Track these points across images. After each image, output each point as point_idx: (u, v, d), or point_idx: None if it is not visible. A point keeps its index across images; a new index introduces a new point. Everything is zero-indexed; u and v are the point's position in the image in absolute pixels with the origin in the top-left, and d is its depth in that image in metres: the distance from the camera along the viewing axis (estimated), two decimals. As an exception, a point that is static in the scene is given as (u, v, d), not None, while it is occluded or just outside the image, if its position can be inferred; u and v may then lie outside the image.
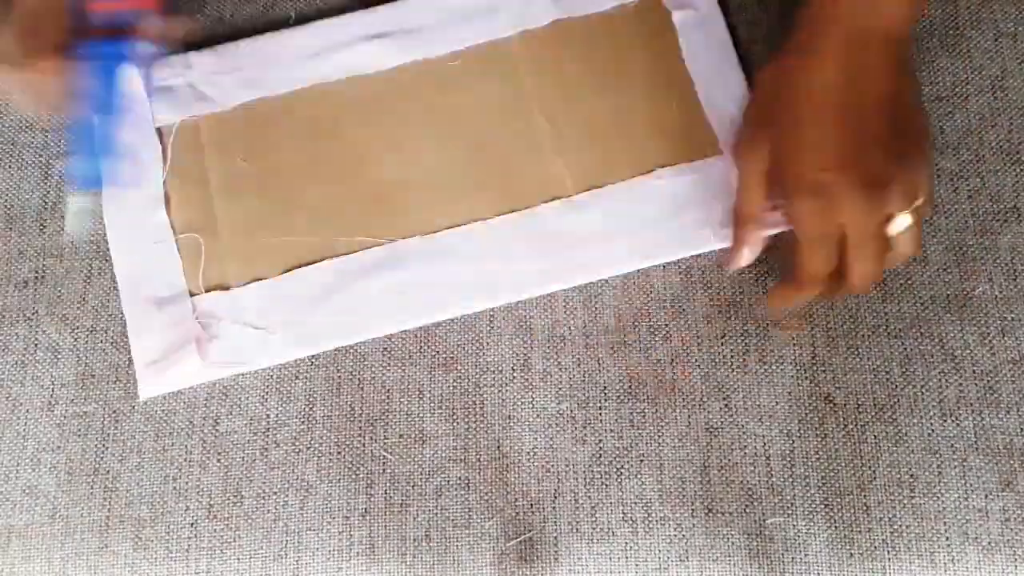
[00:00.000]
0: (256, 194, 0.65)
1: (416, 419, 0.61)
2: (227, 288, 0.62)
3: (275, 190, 0.65)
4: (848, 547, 0.57)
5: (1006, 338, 0.60)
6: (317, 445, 0.60)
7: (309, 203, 0.64)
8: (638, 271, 0.62)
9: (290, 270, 0.63)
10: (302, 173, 0.65)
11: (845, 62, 0.54)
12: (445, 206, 0.63)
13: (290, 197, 0.64)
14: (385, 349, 0.62)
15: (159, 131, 0.66)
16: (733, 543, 0.57)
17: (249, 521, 0.59)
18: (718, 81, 0.64)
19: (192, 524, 0.59)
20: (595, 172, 0.63)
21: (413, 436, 0.60)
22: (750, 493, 0.58)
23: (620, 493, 0.58)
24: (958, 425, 0.59)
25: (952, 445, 0.58)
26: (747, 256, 0.60)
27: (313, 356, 0.62)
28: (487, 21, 0.67)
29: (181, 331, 0.62)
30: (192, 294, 0.62)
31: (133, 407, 0.61)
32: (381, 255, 0.63)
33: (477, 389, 0.61)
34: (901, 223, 0.55)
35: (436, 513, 0.59)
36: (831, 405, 0.59)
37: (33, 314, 0.63)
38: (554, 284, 0.62)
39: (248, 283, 0.62)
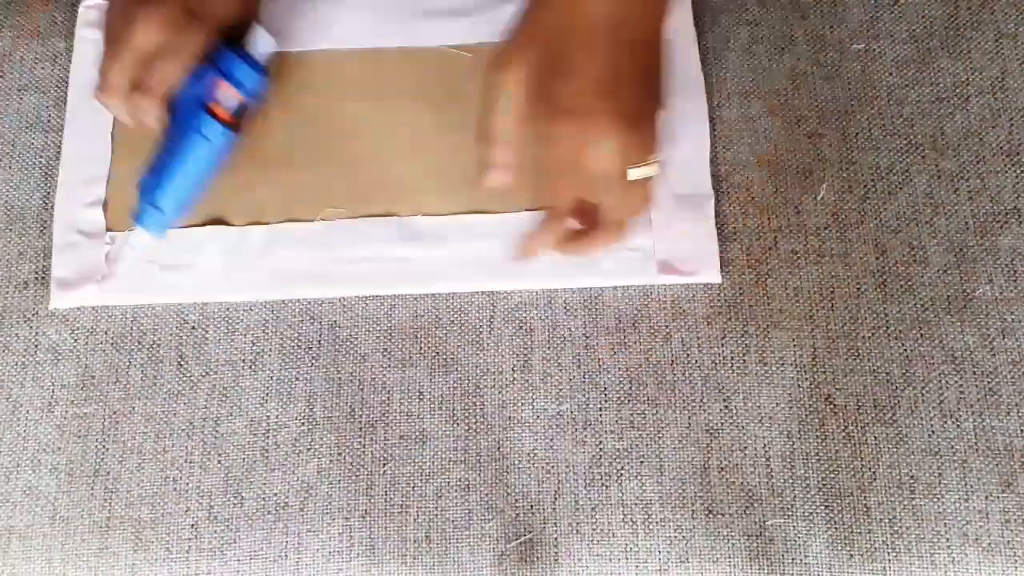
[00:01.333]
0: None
1: (416, 420, 0.61)
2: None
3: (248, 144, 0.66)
4: (848, 548, 0.57)
5: (1006, 339, 0.60)
6: (317, 446, 0.60)
7: (282, 164, 0.65)
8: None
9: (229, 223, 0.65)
10: (284, 135, 0.66)
11: (612, 2, 0.53)
12: (418, 195, 0.64)
13: (264, 155, 0.66)
14: (385, 350, 0.62)
15: None
16: (733, 545, 0.57)
17: (249, 522, 0.59)
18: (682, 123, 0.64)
19: (192, 525, 0.59)
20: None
21: (413, 437, 0.60)
22: (750, 494, 0.58)
23: (620, 494, 0.58)
24: (958, 426, 0.59)
25: (952, 446, 0.58)
26: (500, 177, 0.58)
27: (314, 357, 0.62)
28: (485, 20, 0.68)
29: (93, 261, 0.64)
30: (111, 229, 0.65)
31: (134, 408, 0.61)
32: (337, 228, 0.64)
33: (477, 390, 0.61)
34: (644, 172, 0.54)
35: (436, 514, 0.59)
36: (831, 406, 0.59)
37: (33, 315, 0.63)
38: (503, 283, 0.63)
39: (196, 225, 0.64)
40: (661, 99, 0.55)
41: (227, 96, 0.60)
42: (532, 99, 0.54)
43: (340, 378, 0.61)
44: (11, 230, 0.65)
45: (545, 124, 0.54)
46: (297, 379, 0.62)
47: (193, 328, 0.63)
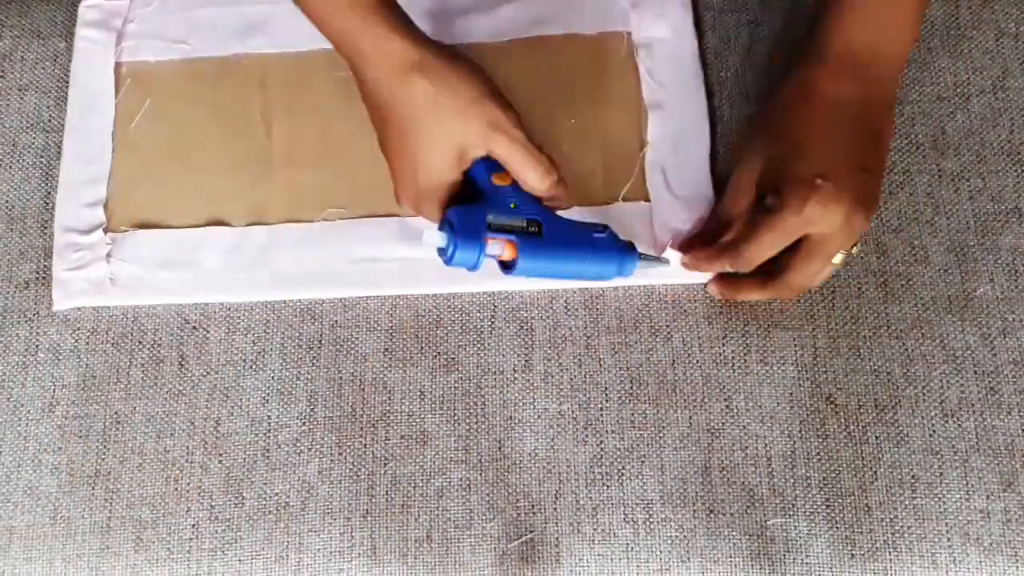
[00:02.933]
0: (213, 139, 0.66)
1: (417, 420, 0.61)
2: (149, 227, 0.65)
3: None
4: (849, 548, 0.57)
5: (1007, 339, 0.60)
6: (318, 446, 0.60)
7: (283, 165, 0.66)
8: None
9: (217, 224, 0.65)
10: (285, 136, 0.66)
11: (850, 85, 0.56)
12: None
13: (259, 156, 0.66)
14: (386, 350, 0.62)
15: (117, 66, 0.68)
16: (734, 544, 0.57)
17: (250, 522, 0.59)
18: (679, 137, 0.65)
19: (193, 525, 0.59)
20: None
21: (414, 437, 0.60)
22: (751, 494, 0.58)
23: (621, 494, 0.58)
24: (959, 426, 0.59)
25: (953, 446, 0.58)
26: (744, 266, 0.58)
27: (315, 357, 0.62)
28: (485, 19, 0.68)
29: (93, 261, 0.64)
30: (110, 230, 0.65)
31: (135, 408, 0.61)
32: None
33: (478, 390, 0.61)
34: (838, 258, 0.57)
35: (437, 514, 0.59)
36: (832, 406, 0.59)
37: (34, 315, 0.63)
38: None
39: (197, 226, 0.65)
40: (878, 185, 0.58)
41: (495, 248, 0.56)
42: (767, 182, 0.57)
43: (341, 378, 0.61)
44: (12, 230, 0.65)
45: (782, 195, 0.55)
46: (298, 379, 0.62)
47: (194, 328, 0.63)
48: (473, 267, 0.55)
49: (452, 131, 0.56)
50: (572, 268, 0.58)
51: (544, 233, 0.56)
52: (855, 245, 0.57)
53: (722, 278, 0.61)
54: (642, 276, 0.61)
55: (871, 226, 0.62)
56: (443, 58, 0.56)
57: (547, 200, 0.58)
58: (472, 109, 0.55)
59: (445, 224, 0.57)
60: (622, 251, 0.58)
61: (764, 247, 0.56)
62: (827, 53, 0.58)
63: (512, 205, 0.57)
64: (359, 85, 0.58)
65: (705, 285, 0.61)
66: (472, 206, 0.56)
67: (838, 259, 0.57)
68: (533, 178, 0.56)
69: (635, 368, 0.61)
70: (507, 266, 0.57)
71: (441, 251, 0.56)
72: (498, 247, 0.55)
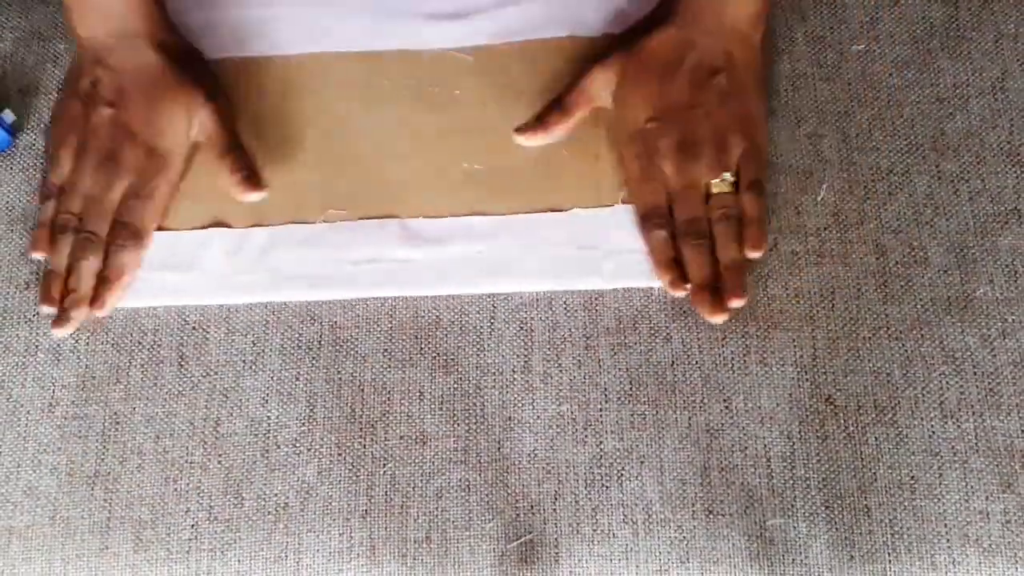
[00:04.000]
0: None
1: (416, 420, 0.61)
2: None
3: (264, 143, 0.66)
4: (849, 549, 0.57)
5: (1007, 340, 0.60)
6: (317, 447, 0.60)
7: (283, 166, 0.66)
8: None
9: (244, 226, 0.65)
10: (284, 137, 0.66)
11: (692, 32, 0.63)
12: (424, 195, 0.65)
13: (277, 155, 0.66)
14: (386, 350, 0.62)
15: None
16: (734, 545, 0.57)
17: (250, 523, 0.59)
18: None
19: (193, 526, 0.59)
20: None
21: (413, 437, 0.60)
22: (751, 495, 0.58)
23: (621, 495, 0.58)
24: (959, 427, 0.58)
25: (953, 447, 0.58)
26: (559, 133, 0.65)
27: (314, 357, 0.62)
28: (512, 22, 0.68)
29: None
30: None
31: (134, 409, 0.61)
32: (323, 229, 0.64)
33: (478, 391, 0.61)
34: (713, 187, 0.62)
35: (436, 515, 0.59)
36: (832, 407, 0.59)
37: (34, 316, 0.63)
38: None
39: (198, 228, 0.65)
40: (744, 120, 0.63)
41: None
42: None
43: (340, 378, 0.61)
44: (12, 231, 0.65)
45: (621, 143, 0.64)
46: (297, 379, 0.62)
47: (193, 329, 0.63)
48: None
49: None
50: None
51: None
52: (724, 175, 0.61)
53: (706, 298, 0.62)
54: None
55: (872, 225, 0.62)
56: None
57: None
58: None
59: None
60: None
61: (644, 194, 0.62)
62: (675, 13, 0.64)
63: None
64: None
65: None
66: None
67: (716, 188, 0.62)
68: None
69: (634, 369, 0.61)
70: None
71: None
72: None
